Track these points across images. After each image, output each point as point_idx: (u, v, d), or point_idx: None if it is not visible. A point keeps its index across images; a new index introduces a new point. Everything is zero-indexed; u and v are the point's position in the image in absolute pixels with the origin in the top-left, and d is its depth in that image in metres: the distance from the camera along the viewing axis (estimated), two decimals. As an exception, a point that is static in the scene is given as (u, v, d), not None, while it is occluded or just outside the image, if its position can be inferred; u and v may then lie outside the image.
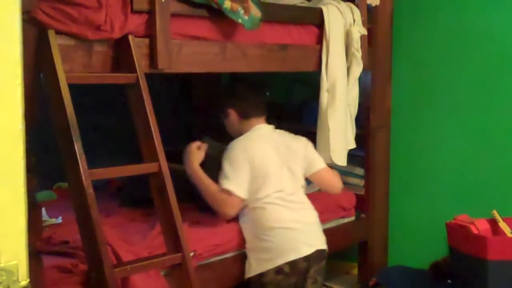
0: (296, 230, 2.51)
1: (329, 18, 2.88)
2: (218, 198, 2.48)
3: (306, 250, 2.50)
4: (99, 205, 1.93)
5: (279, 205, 2.53)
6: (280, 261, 2.45)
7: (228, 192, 2.47)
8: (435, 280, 3.11)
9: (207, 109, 4.10)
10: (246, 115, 2.64)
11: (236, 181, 2.47)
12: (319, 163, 2.72)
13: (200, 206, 2.64)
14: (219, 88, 2.79)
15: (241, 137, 2.61)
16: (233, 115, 2.65)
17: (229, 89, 2.73)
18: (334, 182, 2.80)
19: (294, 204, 2.58)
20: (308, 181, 2.77)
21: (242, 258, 2.56)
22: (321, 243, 2.60)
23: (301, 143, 2.71)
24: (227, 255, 2.56)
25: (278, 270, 2.45)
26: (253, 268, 2.51)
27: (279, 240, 2.48)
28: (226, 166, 2.50)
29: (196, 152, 2.53)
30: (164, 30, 2.18)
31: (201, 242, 2.43)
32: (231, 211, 2.51)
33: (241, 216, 2.57)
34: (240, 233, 2.58)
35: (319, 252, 2.56)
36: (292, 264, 2.46)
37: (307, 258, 2.50)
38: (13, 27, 1.04)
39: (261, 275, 2.47)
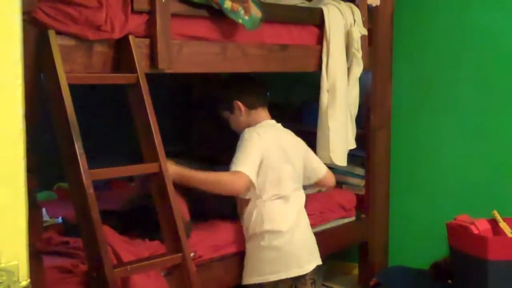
0: (297, 245, 2.50)
1: (330, 19, 2.88)
2: (222, 179, 2.37)
3: (307, 267, 2.53)
4: (99, 205, 1.92)
5: (282, 206, 2.51)
6: (282, 276, 2.47)
7: (234, 173, 2.38)
8: (435, 280, 3.12)
9: (207, 109, 4.12)
10: (253, 105, 2.59)
11: (244, 163, 2.39)
12: (323, 169, 2.74)
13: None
14: (216, 86, 2.73)
15: (255, 126, 2.56)
16: (240, 107, 2.58)
17: (230, 83, 2.69)
18: (332, 182, 2.82)
19: (294, 206, 2.56)
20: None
21: (242, 258, 2.56)
22: (317, 258, 2.61)
23: (303, 146, 2.70)
24: (227, 255, 2.55)
25: (278, 281, 2.48)
26: (254, 277, 2.50)
27: (283, 254, 2.47)
28: (237, 153, 2.43)
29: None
30: (165, 30, 2.18)
31: (201, 243, 2.43)
32: (240, 188, 2.38)
33: (244, 213, 2.54)
34: (240, 233, 2.57)
35: (317, 266, 2.59)
36: (293, 277, 2.50)
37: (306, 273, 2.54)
38: (14, 27, 1.04)
39: (260, 285, 2.49)
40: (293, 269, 2.49)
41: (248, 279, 2.52)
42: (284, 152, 2.55)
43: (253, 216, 2.49)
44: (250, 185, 2.42)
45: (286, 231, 2.48)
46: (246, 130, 2.53)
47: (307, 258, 2.55)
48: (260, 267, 2.49)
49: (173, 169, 2.23)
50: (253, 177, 2.40)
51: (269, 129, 2.57)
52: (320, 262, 2.61)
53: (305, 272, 2.52)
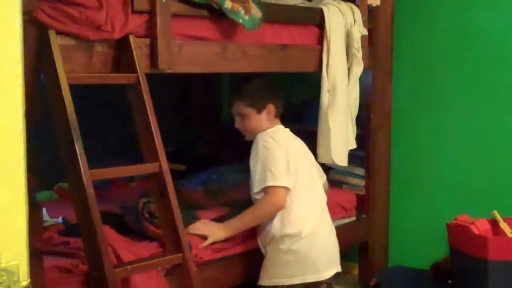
0: (316, 250, 2.47)
1: (330, 18, 2.87)
2: (264, 210, 2.45)
3: (325, 274, 2.50)
4: (99, 205, 1.92)
5: (303, 209, 2.50)
6: (298, 280, 2.45)
7: (268, 190, 2.42)
8: (435, 281, 3.12)
9: (207, 109, 4.12)
10: (278, 114, 2.62)
11: (272, 174, 2.41)
12: (323, 175, 2.79)
13: None
14: (256, 81, 2.65)
15: (265, 132, 2.55)
16: (271, 112, 2.57)
17: (271, 85, 2.67)
18: (327, 189, 2.82)
19: (315, 208, 2.55)
20: None
21: (242, 258, 2.56)
22: (337, 265, 2.58)
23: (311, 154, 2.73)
24: (228, 256, 2.55)
25: (293, 285, 2.46)
26: (270, 279, 2.48)
27: (301, 258, 2.45)
28: (258, 166, 2.44)
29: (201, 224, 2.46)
30: (165, 30, 2.18)
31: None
32: (282, 204, 2.43)
33: None
34: (241, 235, 2.55)
35: (335, 274, 2.56)
36: (309, 283, 2.48)
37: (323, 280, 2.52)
38: (14, 27, 1.04)
39: (275, 286, 2.48)
40: (310, 274, 2.45)
41: (264, 281, 2.50)
42: (297, 151, 2.57)
43: (273, 220, 2.47)
44: (288, 192, 2.44)
45: (306, 236, 2.45)
46: (259, 139, 2.51)
47: (326, 264, 2.50)
48: (277, 269, 2.47)
49: (221, 234, 2.42)
50: (287, 183, 2.43)
51: (278, 132, 2.58)
52: (339, 269, 2.58)
53: (322, 279, 2.48)
